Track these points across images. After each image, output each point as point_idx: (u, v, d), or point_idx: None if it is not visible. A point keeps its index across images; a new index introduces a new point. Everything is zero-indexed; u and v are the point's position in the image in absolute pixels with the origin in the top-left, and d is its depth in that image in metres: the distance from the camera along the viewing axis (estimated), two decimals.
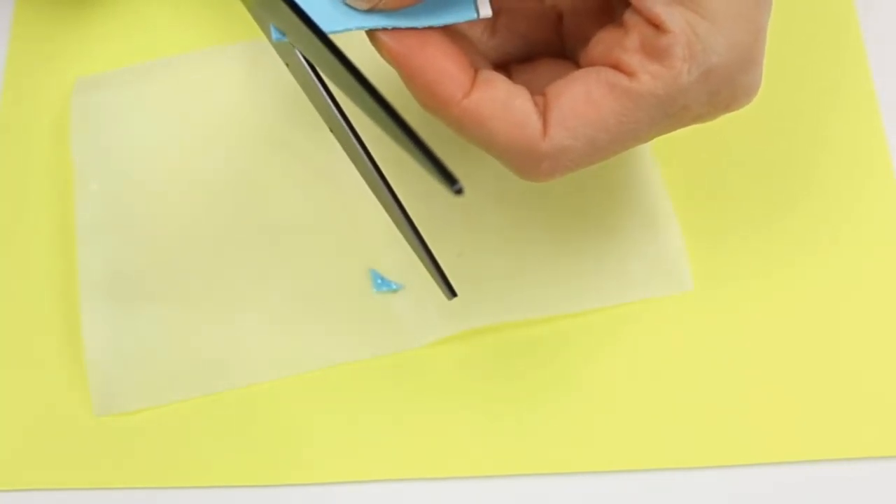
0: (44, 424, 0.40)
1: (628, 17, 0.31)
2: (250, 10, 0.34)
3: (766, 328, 0.39)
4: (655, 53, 0.30)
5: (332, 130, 0.35)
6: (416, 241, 0.35)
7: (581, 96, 0.31)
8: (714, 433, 0.38)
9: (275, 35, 0.32)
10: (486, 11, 0.31)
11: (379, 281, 0.40)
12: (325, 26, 0.31)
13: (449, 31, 0.32)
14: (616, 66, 0.31)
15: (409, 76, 0.31)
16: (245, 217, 0.41)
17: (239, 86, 0.43)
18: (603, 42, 0.32)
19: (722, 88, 0.31)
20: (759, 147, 0.41)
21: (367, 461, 0.39)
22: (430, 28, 0.31)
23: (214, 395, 0.40)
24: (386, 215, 0.40)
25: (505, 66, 0.35)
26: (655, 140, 0.40)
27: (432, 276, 0.35)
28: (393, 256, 0.40)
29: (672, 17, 0.30)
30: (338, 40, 0.30)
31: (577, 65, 0.33)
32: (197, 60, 0.43)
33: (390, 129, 0.28)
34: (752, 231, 0.40)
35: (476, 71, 0.32)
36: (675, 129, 0.32)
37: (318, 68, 0.33)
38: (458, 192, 0.27)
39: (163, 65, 0.44)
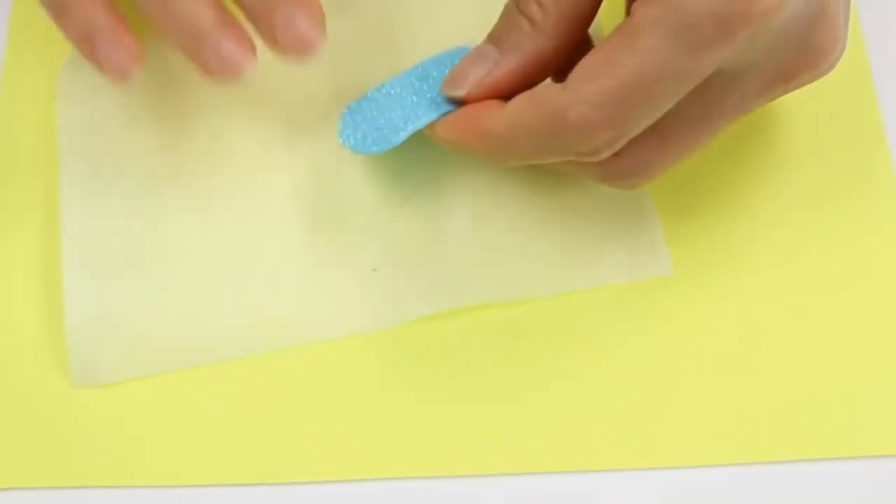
0: (28, 418, 0.39)
1: None
2: None
3: (749, 316, 0.39)
4: None
5: None
6: None
7: (593, 54, 0.32)
8: (693, 427, 0.37)
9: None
10: None
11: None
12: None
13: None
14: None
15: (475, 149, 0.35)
16: (231, 189, 0.41)
17: None
18: None
19: (781, 44, 0.31)
20: (749, 139, 0.41)
21: (331, 457, 0.38)
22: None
23: (202, 387, 0.39)
24: (370, 190, 0.41)
25: None
26: None
27: None
28: (373, 233, 0.40)
29: None
30: None
31: None
32: None
33: None
34: (734, 217, 0.40)
35: None
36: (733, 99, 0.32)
37: None
38: None
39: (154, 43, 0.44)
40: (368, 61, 0.42)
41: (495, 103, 0.34)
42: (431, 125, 0.37)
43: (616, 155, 0.34)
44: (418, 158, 0.41)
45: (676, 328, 0.38)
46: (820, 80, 0.41)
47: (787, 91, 0.34)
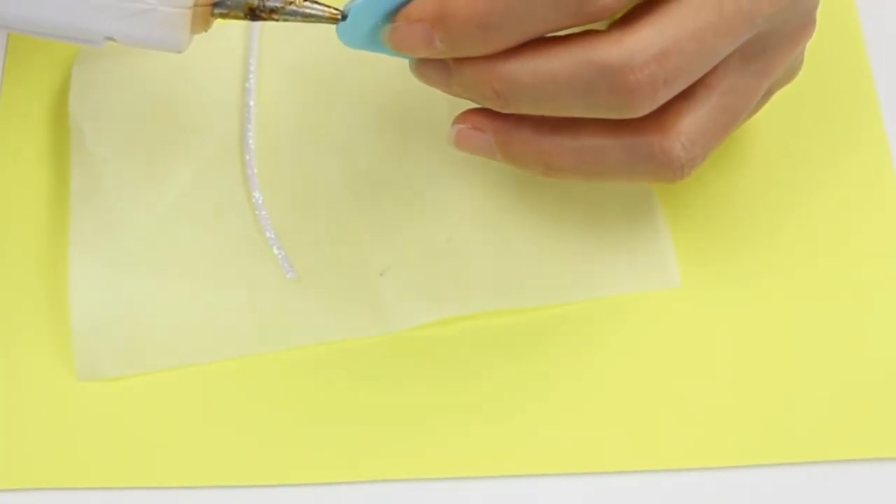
0: (32, 417, 0.39)
1: None
2: None
3: (757, 326, 0.39)
4: None
5: None
6: None
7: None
8: (700, 433, 0.37)
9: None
10: None
11: None
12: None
13: None
14: None
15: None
16: (239, 189, 0.41)
17: (241, 59, 0.43)
18: None
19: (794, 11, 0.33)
20: (753, 145, 0.41)
21: (334, 459, 0.38)
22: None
23: (203, 387, 0.39)
24: (379, 195, 0.41)
25: None
26: None
27: None
28: (382, 238, 0.40)
29: None
30: None
31: None
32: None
33: None
34: (741, 228, 0.40)
35: None
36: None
37: None
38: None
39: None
40: None
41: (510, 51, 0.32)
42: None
43: (664, 128, 0.33)
44: (427, 165, 0.41)
45: (683, 338, 0.39)
46: (821, 83, 0.42)
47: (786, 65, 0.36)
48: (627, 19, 0.32)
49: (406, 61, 0.35)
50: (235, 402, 0.38)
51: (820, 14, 0.41)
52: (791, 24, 0.34)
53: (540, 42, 0.32)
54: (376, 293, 0.39)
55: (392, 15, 0.33)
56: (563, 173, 0.35)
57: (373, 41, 0.34)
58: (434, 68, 0.34)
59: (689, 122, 0.33)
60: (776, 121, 0.41)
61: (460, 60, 0.33)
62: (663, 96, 0.32)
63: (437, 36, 0.32)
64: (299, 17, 0.33)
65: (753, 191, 0.40)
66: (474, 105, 0.35)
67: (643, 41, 0.31)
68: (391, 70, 0.41)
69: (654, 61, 0.31)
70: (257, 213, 0.40)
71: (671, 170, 0.34)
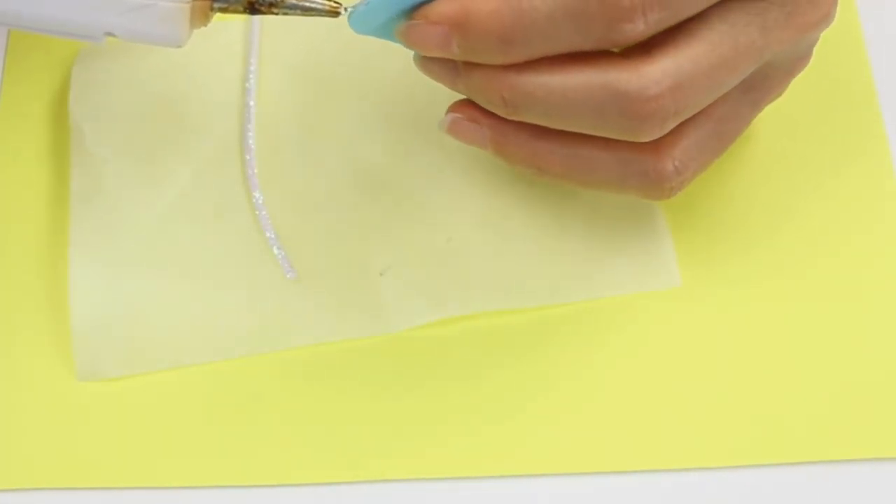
0: (31, 417, 0.39)
1: None
2: None
3: (757, 326, 0.39)
4: None
5: None
6: None
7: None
8: (700, 433, 0.37)
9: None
10: None
11: None
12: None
13: None
14: None
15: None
16: (240, 188, 0.41)
17: (241, 58, 0.43)
18: None
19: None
20: (754, 145, 0.41)
21: (335, 459, 0.38)
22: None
23: (203, 387, 0.39)
24: (379, 195, 0.41)
25: None
26: None
27: None
28: (382, 238, 0.40)
29: None
30: None
31: None
32: (200, 32, 0.43)
33: None
34: (742, 227, 0.40)
35: None
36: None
37: None
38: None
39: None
40: None
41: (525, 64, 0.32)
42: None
43: (660, 149, 0.34)
44: (428, 165, 0.41)
45: (683, 338, 0.39)
46: (821, 83, 0.42)
47: (779, 92, 0.37)
48: (646, 47, 0.32)
49: (409, 54, 0.35)
50: (235, 402, 0.38)
51: None
52: (792, 58, 0.35)
53: (555, 57, 0.32)
54: (376, 293, 0.39)
55: (410, 11, 0.32)
56: (554, 177, 0.36)
57: (385, 31, 0.33)
58: (441, 66, 0.34)
59: (685, 147, 0.34)
60: (777, 121, 0.41)
61: (471, 64, 0.33)
62: (671, 125, 0.32)
63: (455, 41, 0.32)
64: (298, 11, 0.33)
65: (754, 191, 0.40)
66: None
67: (660, 72, 0.31)
68: (392, 69, 0.41)
69: (668, 93, 0.31)
70: (257, 213, 0.40)
71: (660, 190, 0.35)
